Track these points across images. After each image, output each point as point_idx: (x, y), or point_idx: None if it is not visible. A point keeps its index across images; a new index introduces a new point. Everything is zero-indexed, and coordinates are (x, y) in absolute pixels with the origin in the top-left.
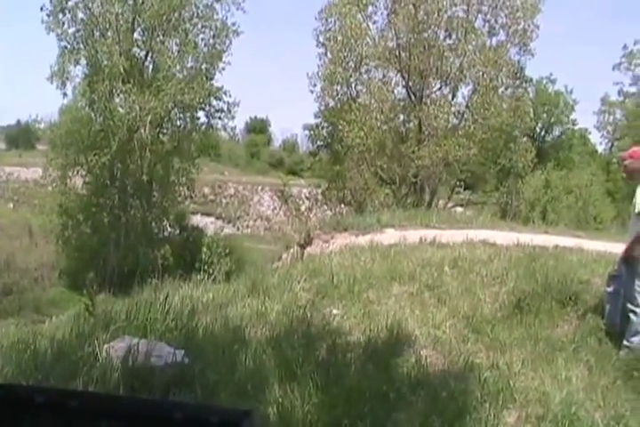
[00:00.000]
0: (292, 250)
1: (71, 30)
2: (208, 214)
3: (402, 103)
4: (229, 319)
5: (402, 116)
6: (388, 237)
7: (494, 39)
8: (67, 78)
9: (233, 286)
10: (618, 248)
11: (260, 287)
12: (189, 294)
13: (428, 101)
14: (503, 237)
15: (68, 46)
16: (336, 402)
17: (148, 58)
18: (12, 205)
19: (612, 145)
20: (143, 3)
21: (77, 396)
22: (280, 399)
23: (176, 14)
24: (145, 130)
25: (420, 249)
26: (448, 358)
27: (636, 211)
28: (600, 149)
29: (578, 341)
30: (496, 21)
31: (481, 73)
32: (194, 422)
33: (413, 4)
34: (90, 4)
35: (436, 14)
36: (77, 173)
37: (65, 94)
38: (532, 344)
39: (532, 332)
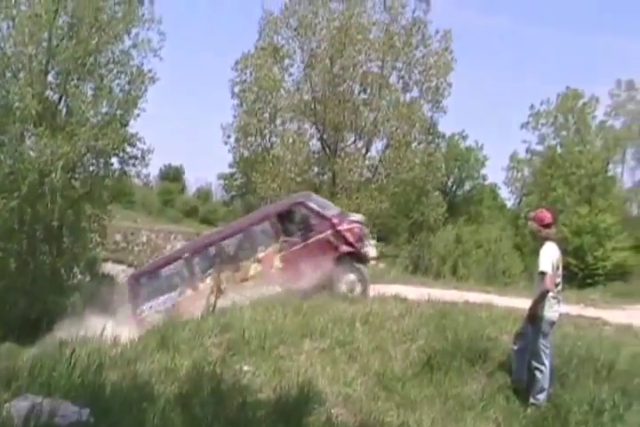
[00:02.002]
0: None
1: None
2: (120, 262)
3: (316, 156)
4: (138, 375)
5: (316, 169)
6: (301, 291)
7: (408, 95)
8: None
9: (143, 340)
10: (525, 304)
11: (169, 342)
12: (97, 348)
13: (343, 154)
14: (414, 292)
15: None
16: None
17: (62, 101)
18: None
19: (521, 200)
20: (58, 46)
21: None
22: None
23: (92, 59)
24: (56, 174)
25: (332, 304)
26: (359, 417)
27: (540, 270)
28: (509, 203)
29: (486, 398)
30: (410, 78)
31: (394, 128)
32: None
33: (330, 59)
34: (2, 44)
35: (351, 69)
36: None
37: None
38: (442, 402)
39: (442, 390)
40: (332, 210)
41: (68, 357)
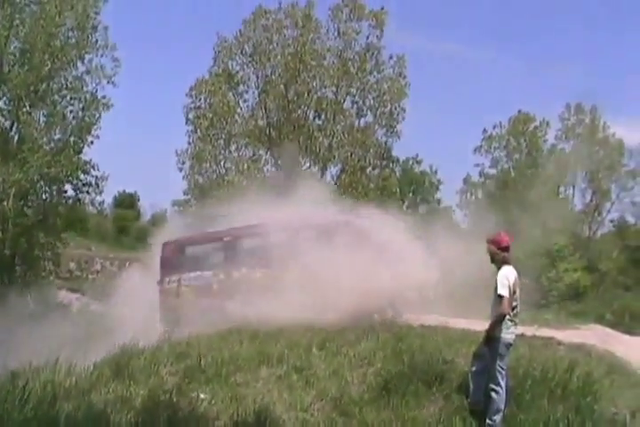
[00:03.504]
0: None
1: None
2: (74, 290)
3: (271, 181)
4: (93, 406)
5: (271, 193)
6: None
7: (362, 120)
8: None
9: (97, 369)
10: (481, 326)
11: (125, 371)
12: (51, 379)
13: (298, 180)
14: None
15: None
16: None
17: (14, 128)
18: None
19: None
20: (9, 72)
21: None
22: None
23: (44, 85)
24: (8, 202)
25: (289, 331)
26: None
27: (498, 293)
28: (463, 226)
29: (444, 421)
30: (364, 103)
31: (349, 153)
32: None
33: (284, 84)
34: None
35: (306, 95)
36: None
37: None
38: (400, 425)
39: (399, 413)
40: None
41: (20, 389)
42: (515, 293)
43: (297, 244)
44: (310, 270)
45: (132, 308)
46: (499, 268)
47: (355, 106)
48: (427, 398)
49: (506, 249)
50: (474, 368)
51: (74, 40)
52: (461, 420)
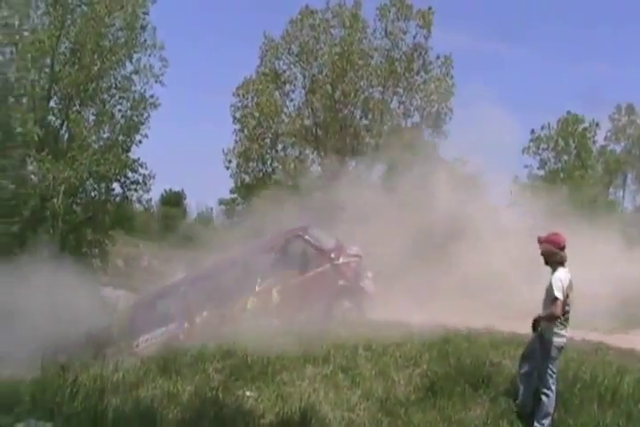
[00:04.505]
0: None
1: None
2: (121, 287)
3: (318, 181)
4: (140, 401)
5: (318, 194)
6: (303, 316)
7: (409, 121)
8: None
9: (144, 365)
10: (527, 328)
11: (171, 367)
12: (99, 373)
13: (344, 180)
14: (417, 317)
15: None
16: None
17: (64, 127)
18: None
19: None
20: (60, 71)
21: None
22: None
23: (94, 84)
24: (58, 199)
25: (333, 330)
26: None
27: (553, 295)
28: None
29: (490, 423)
30: (411, 103)
31: (396, 153)
32: None
33: (331, 84)
34: (5, 70)
35: (352, 94)
36: None
37: None
38: None
39: (445, 415)
40: (329, 242)
41: (70, 382)
42: (567, 296)
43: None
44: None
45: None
46: (554, 269)
47: (401, 106)
48: (473, 400)
49: (563, 249)
50: (522, 370)
51: (123, 40)
52: (509, 423)
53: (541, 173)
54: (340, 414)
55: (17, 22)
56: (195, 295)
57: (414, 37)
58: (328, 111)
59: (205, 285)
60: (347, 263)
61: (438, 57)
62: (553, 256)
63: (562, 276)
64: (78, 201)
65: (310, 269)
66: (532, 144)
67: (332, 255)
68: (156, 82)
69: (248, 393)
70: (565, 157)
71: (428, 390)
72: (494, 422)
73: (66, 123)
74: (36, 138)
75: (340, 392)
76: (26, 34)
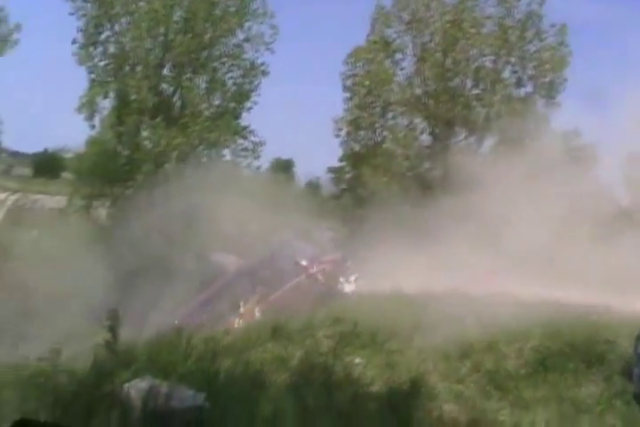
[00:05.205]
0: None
1: (101, 64)
2: (229, 252)
3: (427, 151)
4: (250, 364)
5: (427, 164)
6: (411, 284)
7: (522, 90)
8: (95, 110)
9: (255, 329)
10: None
11: (281, 332)
12: (211, 336)
13: (454, 150)
14: (528, 290)
15: (98, 79)
16: None
17: (176, 94)
18: (35, 233)
19: None
20: (173, 40)
21: None
22: None
23: (205, 52)
24: (171, 164)
25: (443, 300)
26: (471, 415)
27: None
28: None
29: (604, 402)
30: (524, 73)
31: (507, 124)
32: None
33: (442, 53)
34: (121, 39)
35: (463, 63)
36: (101, 203)
37: (93, 126)
38: (557, 404)
39: (557, 391)
40: (308, 252)
41: (184, 343)
42: None
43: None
44: None
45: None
46: None
47: (514, 75)
48: (586, 377)
49: None
50: (639, 351)
51: (234, 8)
52: (624, 404)
53: None
54: (448, 385)
55: None
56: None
57: (528, 4)
58: (439, 80)
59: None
60: (321, 270)
61: (553, 25)
62: None
63: None
64: (189, 167)
65: (286, 283)
66: None
67: (306, 265)
68: (266, 50)
69: (357, 360)
70: None
71: (540, 365)
72: (608, 401)
73: (178, 90)
74: (150, 105)
75: (448, 363)
76: (141, 4)
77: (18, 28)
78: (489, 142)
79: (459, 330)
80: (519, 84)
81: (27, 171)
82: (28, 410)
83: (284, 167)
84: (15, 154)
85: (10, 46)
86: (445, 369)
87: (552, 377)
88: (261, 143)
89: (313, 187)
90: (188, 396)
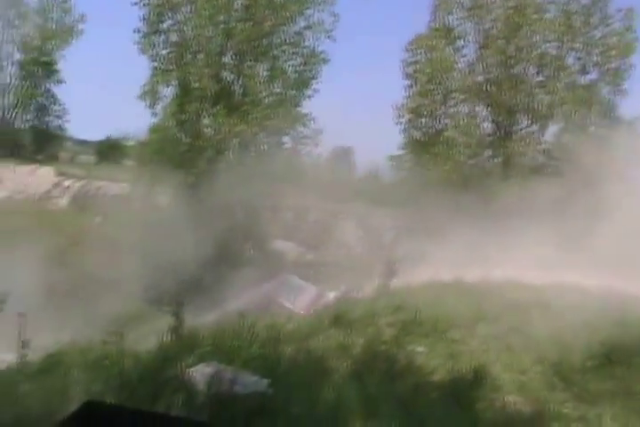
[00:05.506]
0: (374, 281)
1: (164, 52)
2: (289, 239)
3: (489, 139)
4: (312, 351)
5: (488, 152)
6: (474, 274)
7: (586, 77)
8: (157, 98)
9: (316, 317)
10: None
11: (343, 319)
12: (273, 323)
13: (516, 138)
14: (593, 280)
15: (160, 67)
16: None
17: (237, 82)
18: (99, 219)
19: None
20: (234, 28)
21: (160, 419)
22: None
23: (266, 40)
24: (231, 152)
25: (507, 289)
26: (535, 407)
27: None
28: None
29: None
30: (589, 59)
31: (571, 111)
32: None
33: (504, 39)
34: (183, 27)
35: (527, 50)
36: (163, 190)
37: (155, 114)
38: (624, 398)
39: (624, 385)
40: (306, 293)
41: (247, 329)
42: None
43: None
44: None
45: (345, 258)
46: None
47: (578, 62)
48: None
49: None
50: None
51: None
52: None
53: None
54: (512, 376)
55: None
56: None
57: None
58: (501, 67)
59: None
60: None
61: (620, 9)
62: None
63: None
64: (250, 154)
65: None
66: None
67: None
68: (326, 37)
69: (419, 349)
70: None
71: (606, 358)
72: None
73: (239, 78)
74: (211, 93)
75: (512, 354)
76: None
77: (82, 18)
78: (552, 130)
79: (522, 320)
80: (584, 70)
81: (91, 158)
82: (96, 392)
83: (344, 155)
84: (80, 142)
85: (75, 36)
86: (509, 360)
87: (619, 371)
88: (321, 131)
89: (373, 175)
90: (251, 381)
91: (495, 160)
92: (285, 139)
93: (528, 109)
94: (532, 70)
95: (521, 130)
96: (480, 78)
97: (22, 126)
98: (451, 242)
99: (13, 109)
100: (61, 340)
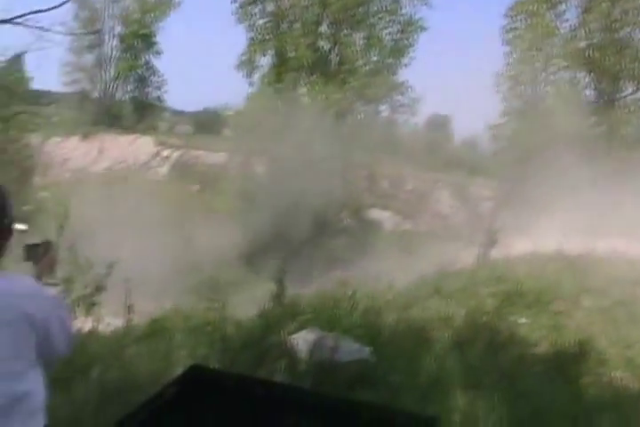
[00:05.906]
0: (473, 251)
1: (260, 22)
2: (385, 209)
3: (591, 106)
4: (413, 321)
5: (590, 120)
6: (575, 245)
7: None
8: (254, 68)
9: (417, 287)
10: None
11: (443, 290)
12: (373, 291)
13: (620, 105)
14: None
15: (257, 37)
16: (522, 419)
17: (334, 51)
18: (197, 188)
19: None
20: None
21: (264, 385)
22: (464, 408)
23: (362, 8)
24: (329, 120)
25: (610, 263)
26: None
27: None
28: None
29: None
30: None
31: None
32: (379, 423)
33: (609, 2)
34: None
35: (633, 13)
36: (260, 159)
37: (251, 83)
38: None
39: None
40: None
41: (349, 297)
42: None
43: None
44: None
45: (442, 228)
46: None
47: None
48: None
49: None
50: None
51: None
52: None
53: None
54: (617, 351)
55: None
56: None
57: None
58: (605, 32)
59: None
60: None
61: None
62: None
63: None
64: (347, 122)
65: None
66: None
67: None
68: (423, 5)
69: (522, 320)
70: None
71: None
72: None
73: (336, 47)
74: (308, 62)
75: (618, 328)
76: None
77: None
78: None
79: (629, 294)
80: None
81: (189, 128)
82: (199, 356)
83: (441, 124)
84: (178, 112)
85: (173, 8)
86: (614, 334)
87: None
88: (418, 99)
89: (471, 144)
90: (354, 349)
91: (598, 128)
92: (382, 107)
93: (633, 76)
94: (638, 34)
95: (625, 97)
96: (582, 44)
97: (123, 98)
98: (549, 213)
99: (114, 81)
100: (165, 306)
